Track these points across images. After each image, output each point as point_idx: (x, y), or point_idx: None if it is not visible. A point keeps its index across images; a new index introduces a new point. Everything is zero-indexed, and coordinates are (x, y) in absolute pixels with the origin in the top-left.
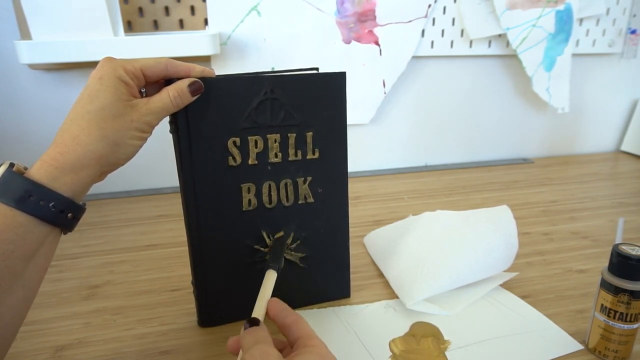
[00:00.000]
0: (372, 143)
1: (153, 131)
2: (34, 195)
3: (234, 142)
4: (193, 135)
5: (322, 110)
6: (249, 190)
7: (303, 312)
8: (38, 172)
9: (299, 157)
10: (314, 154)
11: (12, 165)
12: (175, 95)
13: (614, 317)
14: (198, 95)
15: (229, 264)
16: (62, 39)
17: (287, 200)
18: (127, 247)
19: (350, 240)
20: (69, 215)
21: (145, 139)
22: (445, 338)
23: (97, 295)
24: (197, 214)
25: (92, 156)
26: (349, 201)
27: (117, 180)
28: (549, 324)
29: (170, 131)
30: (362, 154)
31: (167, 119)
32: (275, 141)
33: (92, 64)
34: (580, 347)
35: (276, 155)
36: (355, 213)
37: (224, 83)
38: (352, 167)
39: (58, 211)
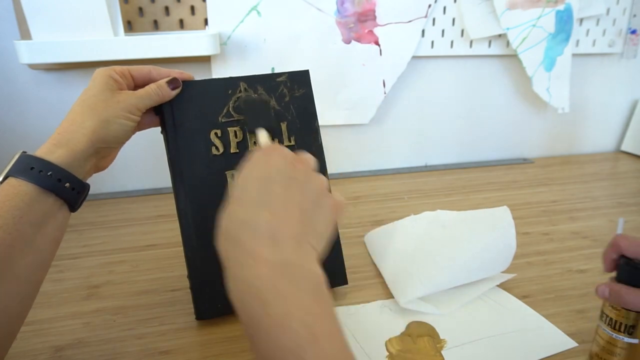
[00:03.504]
0: (372, 143)
1: (152, 133)
2: (35, 166)
3: (216, 134)
4: (179, 129)
5: (293, 103)
6: (233, 177)
7: None
8: (40, 150)
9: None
10: (289, 141)
11: (24, 152)
12: (155, 87)
13: (619, 330)
14: (177, 90)
15: None
16: (62, 39)
17: None
18: (127, 247)
19: (350, 240)
20: (67, 185)
21: (133, 122)
22: (441, 337)
23: (97, 295)
24: (186, 201)
25: (84, 132)
26: (349, 201)
27: (117, 180)
28: (544, 322)
29: (161, 132)
30: (362, 154)
31: None
32: None
33: (92, 64)
34: (574, 344)
35: (255, 143)
36: (355, 213)
37: (203, 84)
38: (352, 167)
39: (56, 179)
